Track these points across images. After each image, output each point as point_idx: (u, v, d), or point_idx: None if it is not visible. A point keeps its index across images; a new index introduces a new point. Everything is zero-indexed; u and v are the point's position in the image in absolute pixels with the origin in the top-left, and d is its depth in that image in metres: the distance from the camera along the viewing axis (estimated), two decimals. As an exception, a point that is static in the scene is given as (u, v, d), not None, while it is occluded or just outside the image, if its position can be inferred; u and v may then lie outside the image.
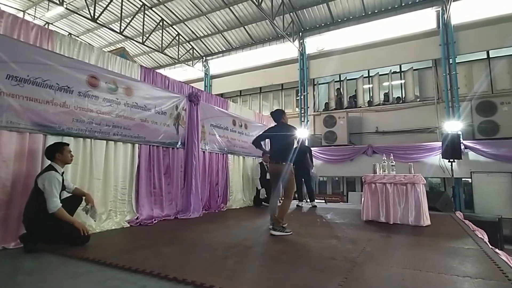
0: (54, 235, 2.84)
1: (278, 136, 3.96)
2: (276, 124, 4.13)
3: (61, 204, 2.85)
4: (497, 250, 2.95)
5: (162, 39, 12.36)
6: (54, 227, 2.80)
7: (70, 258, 2.52)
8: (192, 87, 5.81)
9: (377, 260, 2.56)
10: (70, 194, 3.17)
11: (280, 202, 4.04)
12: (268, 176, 6.37)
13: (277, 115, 4.11)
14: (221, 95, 12.79)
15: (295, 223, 4.32)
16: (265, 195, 6.68)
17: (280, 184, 3.89)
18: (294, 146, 3.97)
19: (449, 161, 7.81)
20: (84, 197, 3.23)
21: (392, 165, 4.78)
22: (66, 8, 10.33)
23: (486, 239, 3.64)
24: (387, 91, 10.46)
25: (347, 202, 9.63)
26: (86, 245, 2.90)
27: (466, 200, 8.75)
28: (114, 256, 2.53)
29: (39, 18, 12.77)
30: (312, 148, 8.44)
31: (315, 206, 6.39)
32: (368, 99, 10.72)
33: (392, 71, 10.37)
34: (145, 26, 11.62)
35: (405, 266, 2.37)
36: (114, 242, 3.23)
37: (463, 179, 8.70)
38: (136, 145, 4.49)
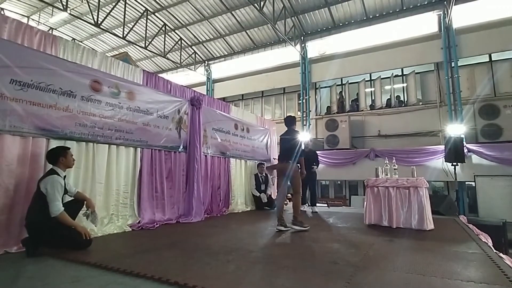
0: (56, 239, 2.84)
1: (284, 140, 4.41)
2: (286, 129, 4.55)
3: (63, 208, 2.85)
4: (501, 254, 2.92)
5: (164, 43, 12.45)
6: (56, 231, 2.80)
7: (71, 262, 2.52)
8: (194, 91, 5.84)
9: (380, 264, 2.53)
10: (72, 198, 3.17)
11: (285, 203, 4.32)
12: (262, 187, 6.90)
13: (290, 121, 4.56)
14: (223, 99, 12.81)
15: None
16: (266, 199, 6.77)
17: (286, 184, 4.29)
18: (299, 148, 4.26)
19: (452, 165, 7.75)
20: (85, 202, 3.23)
21: (395, 169, 4.77)
22: (70, 14, 10.47)
23: (490, 243, 3.61)
24: (389, 95, 10.45)
25: (350, 206, 9.59)
26: (88, 249, 2.90)
27: (470, 203, 8.68)
28: (116, 260, 2.53)
29: (43, 24, 12.92)
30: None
31: (316, 212, 6.35)
32: (370, 103, 10.72)
33: (394, 75, 10.37)
34: (147, 31, 11.72)
35: (408, 270, 2.35)
36: (115, 246, 3.23)
37: (466, 182, 8.64)
38: (138, 149, 4.50)
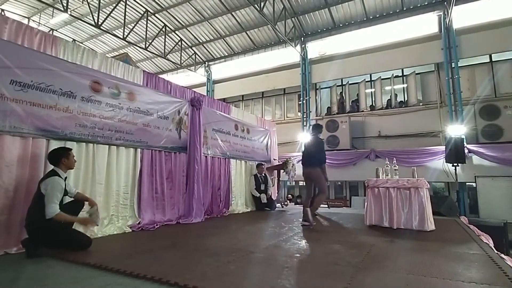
0: (56, 240, 2.83)
1: (307, 147, 4.96)
2: (312, 136, 5.04)
3: (59, 210, 2.81)
4: (502, 255, 2.91)
5: (164, 44, 12.46)
6: (56, 232, 2.80)
7: (71, 263, 2.52)
8: (194, 92, 5.83)
9: (381, 265, 2.52)
10: (72, 199, 3.16)
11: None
12: (262, 187, 6.97)
13: (316, 129, 5.08)
14: (223, 100, 12.81)
15: (298, 228, 4.30)
16: (266, 200, 6.78)
17: (312, 185, 4.90)
18: (322, 155, 4.81)
19: (452, 165, 7.75)
20: (87, 202, 3.23)
21: (395, 170, 4.76)
22: (71, 15, 10.49)
23: (491, 244, 3.59)
24: (389, 95, 10.45)
25: (350, 206, 9.57)
26: (87, 250, 2.90)
27: (471, 204, 8.66)
28: (116, 261, 2.52)
29: (44, 25, 12.93)
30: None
31: (316, 215, 6.32)
32: (371, 103, 10.71)
33: (394, 75, 10.36)
34: (148, 32, 11.74)
35: (409, 271, 2.34)
36: (115, 247, 3.22)
37: (467, 183, 8.62)
38: (138, 150, 4.50)
